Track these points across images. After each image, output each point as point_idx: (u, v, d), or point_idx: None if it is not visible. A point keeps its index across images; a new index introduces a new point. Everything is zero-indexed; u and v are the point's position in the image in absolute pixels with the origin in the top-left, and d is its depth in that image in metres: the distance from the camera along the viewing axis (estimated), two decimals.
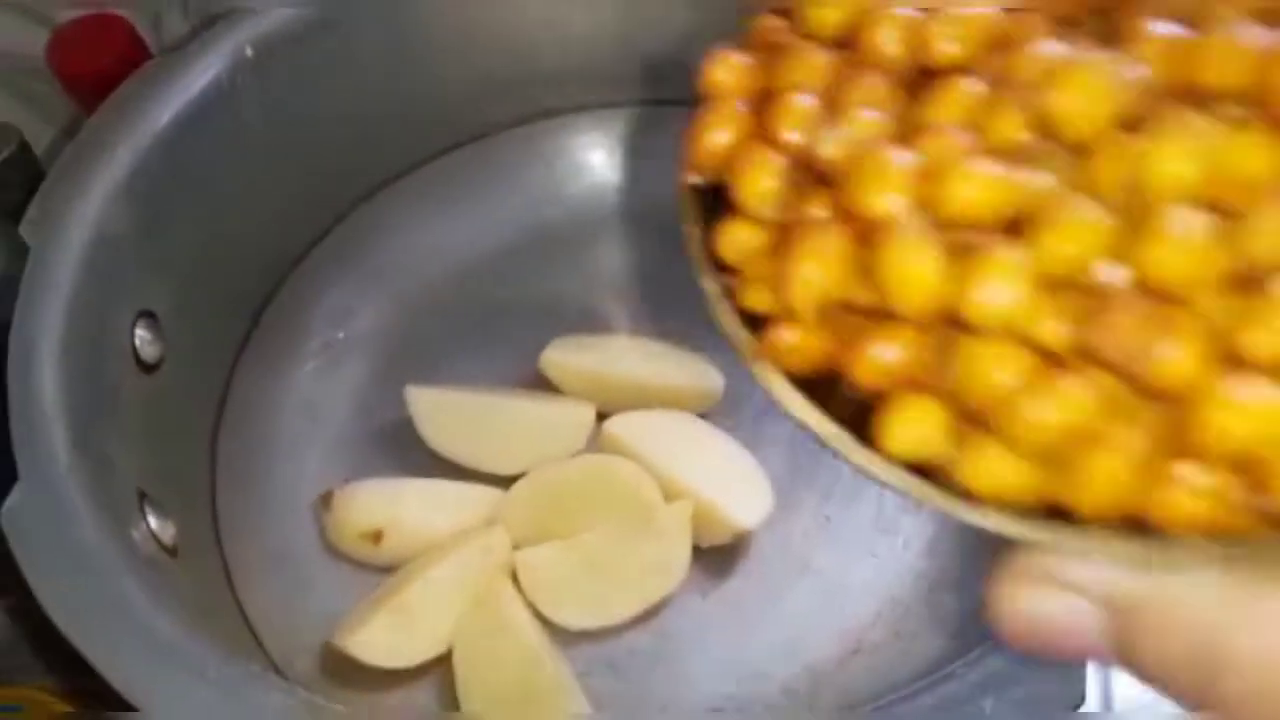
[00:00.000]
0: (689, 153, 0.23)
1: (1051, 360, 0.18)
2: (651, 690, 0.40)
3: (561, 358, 0.45)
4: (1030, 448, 0.18)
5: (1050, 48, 0.20)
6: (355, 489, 0.43)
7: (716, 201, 0.23)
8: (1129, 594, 0.18)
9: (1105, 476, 0.18)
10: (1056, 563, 0.18)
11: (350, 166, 0.48)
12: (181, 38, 0.42)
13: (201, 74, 0.40)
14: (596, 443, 0.44)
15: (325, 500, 0.43)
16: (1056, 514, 0.18)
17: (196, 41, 0.41)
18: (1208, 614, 0.17)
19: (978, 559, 0.42)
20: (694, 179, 0.23)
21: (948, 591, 0.42)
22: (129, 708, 0.29)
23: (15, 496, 0.32)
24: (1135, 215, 0.18)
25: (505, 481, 0.43)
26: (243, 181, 0.43)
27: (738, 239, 0.22)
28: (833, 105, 0.21)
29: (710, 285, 0.23)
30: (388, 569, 0.42)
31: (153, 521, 0.36)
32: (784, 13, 0.23)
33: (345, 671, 0.39)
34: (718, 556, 0.42)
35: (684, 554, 0.41)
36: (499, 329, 0.48)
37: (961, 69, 0.21)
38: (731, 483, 0.42)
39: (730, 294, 0.22)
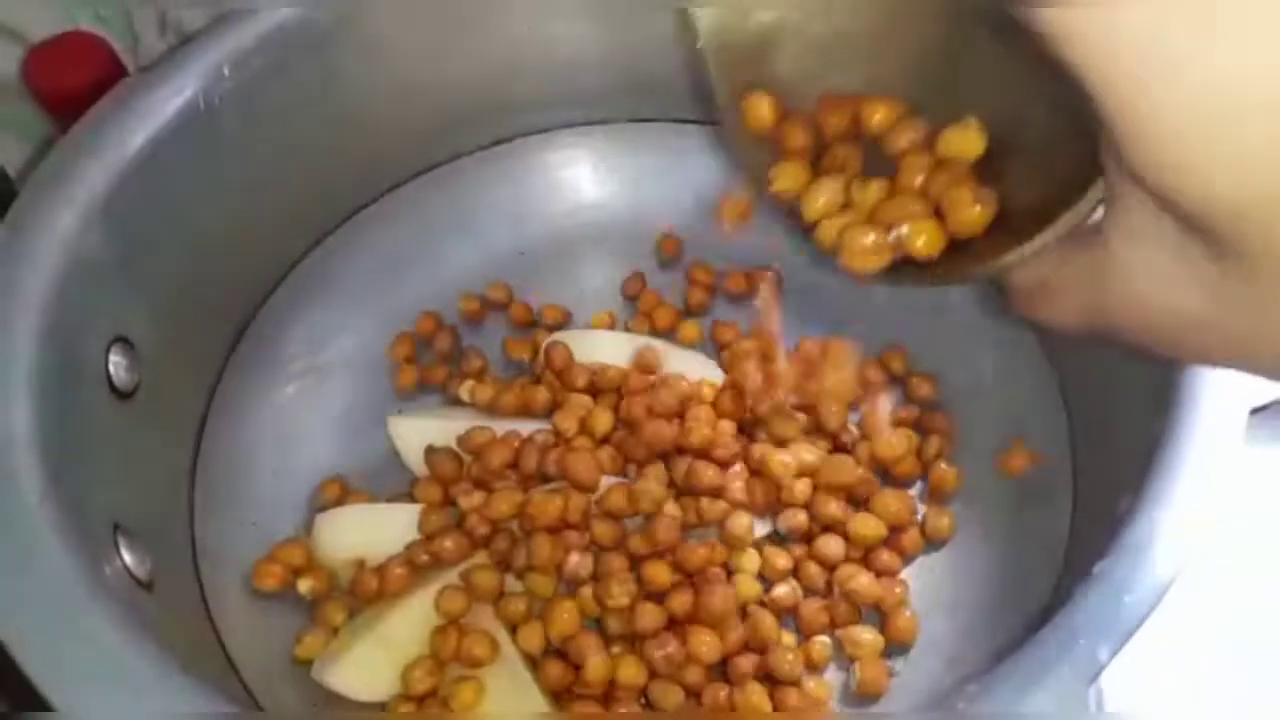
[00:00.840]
0: None
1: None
2: None
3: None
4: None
5: None
6: (337, 515, 0.43)
7: None
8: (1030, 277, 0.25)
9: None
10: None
11: (330, 187, 0.47)
12: (157, 57, 0.41)
13: (176, 94, 0.39)
14: None
15: (307, 527, 0.43)
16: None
17: (171, 61, 0.40)
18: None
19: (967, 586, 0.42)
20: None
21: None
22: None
23: None
24: None
25: None
26: (220, 203, 0.42)
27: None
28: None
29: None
30: (369, 598, 0.41)
31: (127, 555, 0.35)
32: None
33: (325, 702, 0.39)
34: None
35: None
36: (482, 347, 0.48)
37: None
38: None
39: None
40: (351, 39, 0.43)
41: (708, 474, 0.41)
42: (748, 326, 0.48)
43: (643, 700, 0.39)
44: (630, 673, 0.38)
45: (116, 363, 0.38)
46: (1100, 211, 0.23)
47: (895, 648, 0.41)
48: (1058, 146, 0.25)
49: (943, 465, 0.43)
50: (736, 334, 0.48)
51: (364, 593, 0.41)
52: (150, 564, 0.36)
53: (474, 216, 0.50)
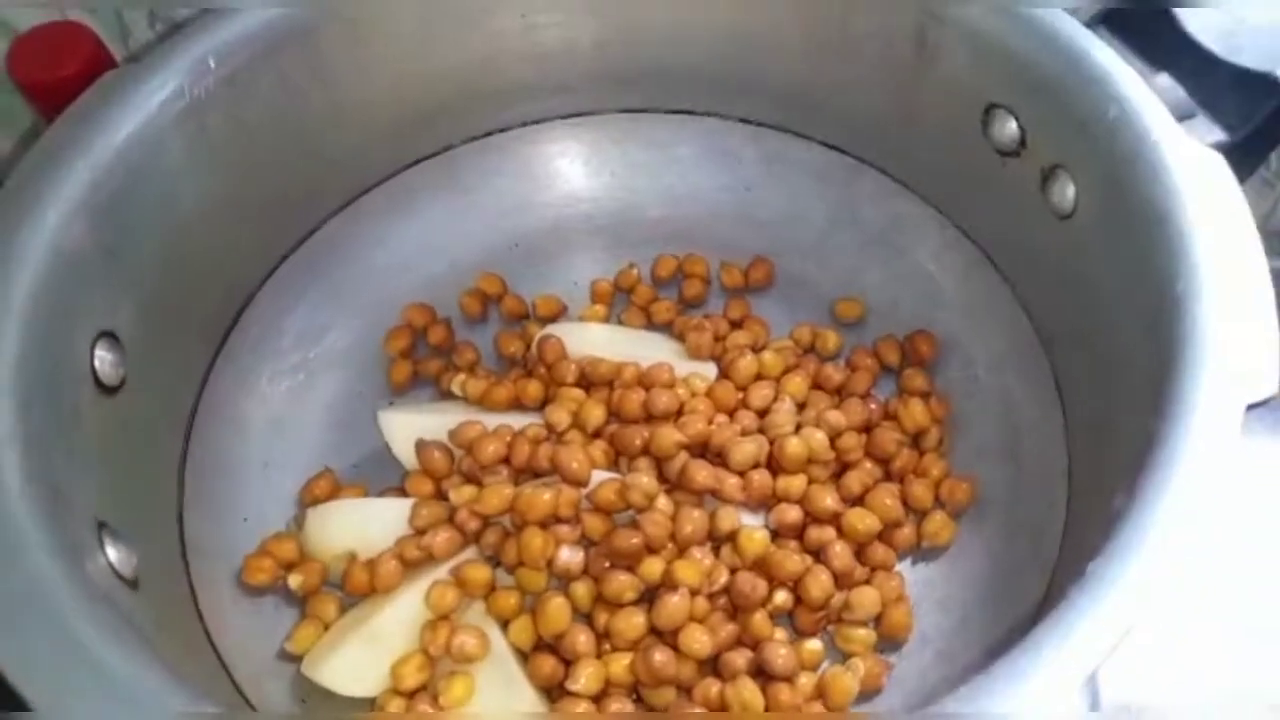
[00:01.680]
0: None
1: None
2: None
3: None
4: None
5: None
6: (328, 510, 0.42)
7: None
8: None
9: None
10: None
11: (319, 180, 0.47)
12: (143, 47, 0.41)
13: (162, 86, 0.39)
14: None
15: (298, 521, 0.42)
16: None
17: (157, 52, 0.40)
18: None
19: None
20: None
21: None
22: None
23: None
24: None
25: None
26: (207, 195, 0.41)
27: None
28: None
29: None
30: (360, 592, 0.40)
31: (112, 553, 0.34)
32: None
33: (316, 698, 0.39)
34: None
35: None
36: (474, 341, 0.48)
37: None
38: None
39: None
40: (340, 31, 0.42)
41: (701, 473, 0.40)
42: (741, 319, 0.48)
43: (634, 696, 0.38)
44: (621, 670, 0.38)
45: (102, 358, 0.37)
46: None
47: (888, 644, 0.40)
48: None
49: (957, 480, 0.43)
50: (729, 327, 0.48)
51: (355, 587, 0.40)
52: (137, 561, 0.36)
53: (465, 208, 0.50)
